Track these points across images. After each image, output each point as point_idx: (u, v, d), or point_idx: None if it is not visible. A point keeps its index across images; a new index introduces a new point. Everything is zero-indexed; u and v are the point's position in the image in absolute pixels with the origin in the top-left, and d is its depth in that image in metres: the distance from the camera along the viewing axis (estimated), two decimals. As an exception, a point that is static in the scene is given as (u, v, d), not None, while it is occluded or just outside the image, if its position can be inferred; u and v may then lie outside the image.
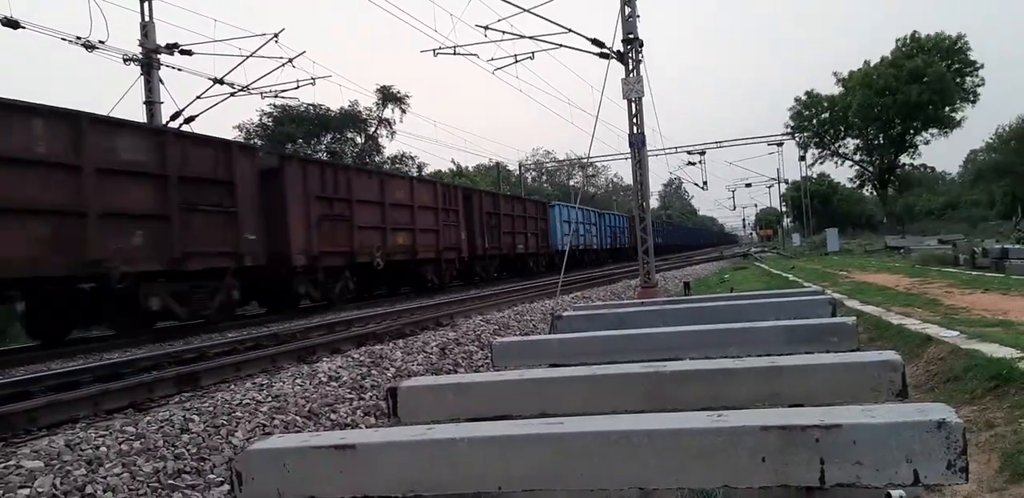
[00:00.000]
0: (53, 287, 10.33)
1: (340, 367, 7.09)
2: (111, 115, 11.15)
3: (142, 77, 18.16)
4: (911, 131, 53.36)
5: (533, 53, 17.27)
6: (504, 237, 24.72)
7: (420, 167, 50.21)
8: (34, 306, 10.72)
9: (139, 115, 18.30)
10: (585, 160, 39.60)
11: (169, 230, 11.05)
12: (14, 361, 9.04)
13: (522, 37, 16.28)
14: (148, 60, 18.07)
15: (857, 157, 57.68)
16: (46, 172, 9.41)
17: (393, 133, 47.39)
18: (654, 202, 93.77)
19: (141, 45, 18.05)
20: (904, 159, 56.62)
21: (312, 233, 14.51)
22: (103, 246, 9.98)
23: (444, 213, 20.45)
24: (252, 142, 39.57)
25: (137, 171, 10.67)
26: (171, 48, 18.38)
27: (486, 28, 16.04)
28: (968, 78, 51.39)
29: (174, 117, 18.19)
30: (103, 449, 4.38)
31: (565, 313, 7.49)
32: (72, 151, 9.72)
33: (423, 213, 19.32)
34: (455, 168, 58.93)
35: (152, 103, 18.14)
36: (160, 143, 11.19)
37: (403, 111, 46.79)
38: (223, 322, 12.38)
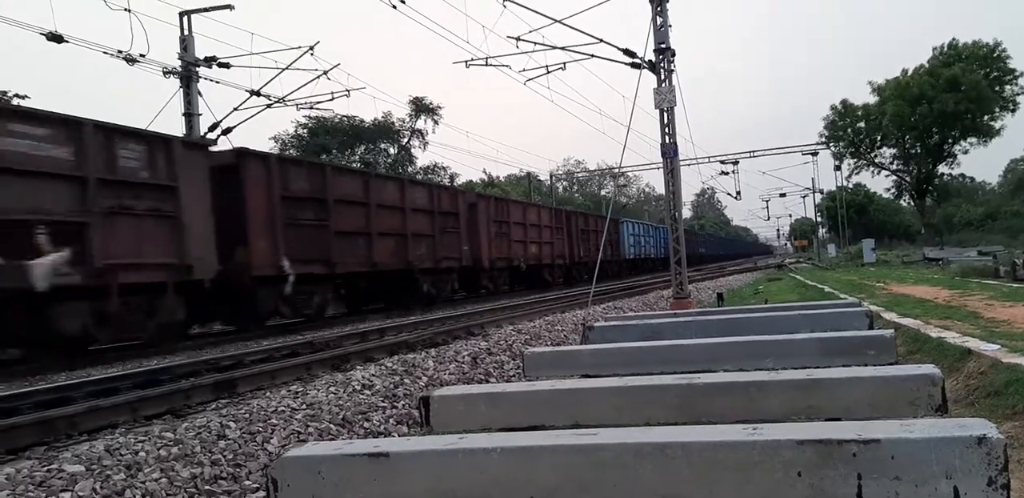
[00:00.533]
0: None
1: (373, 375, 7.14)
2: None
3: (181, 89, 18.56)
4: (949, 140, 52.48)
5: (564, 64, 17.34)
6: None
7: (452, 177, 50.56)
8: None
9: (178, 127, 18.72)
10: (617, 170, 39.47)
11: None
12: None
13: (553, 48, 16.36)
14: (187, 73, 18.47)
15: (894, 167, 56.90)
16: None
17: (426, 144, 47.91)
18: (687, 212, 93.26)
19: (181, 58, 18.47)
20: (942, 169, 55.77)
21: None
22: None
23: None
24: (288, 152, 40.15)
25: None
26: (210, 61, 18.78)
27: (518, 39, 16.15)
28: (1007, 86, 50.46)
29: (212, 128, 18.55)
30: (142, 454, 4.45)
31: (597, 324, 7.47)
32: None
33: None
34: (486, 178, 59.18)
35: (191, 115, 18.53)
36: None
37: (435, 122, 47.28)
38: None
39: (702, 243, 61.93)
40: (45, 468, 4.12)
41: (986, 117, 50.23)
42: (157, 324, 10.57)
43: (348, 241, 14.68)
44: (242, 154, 12.72)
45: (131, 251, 9.98)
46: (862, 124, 55.21)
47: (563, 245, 27.44)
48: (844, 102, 56.05)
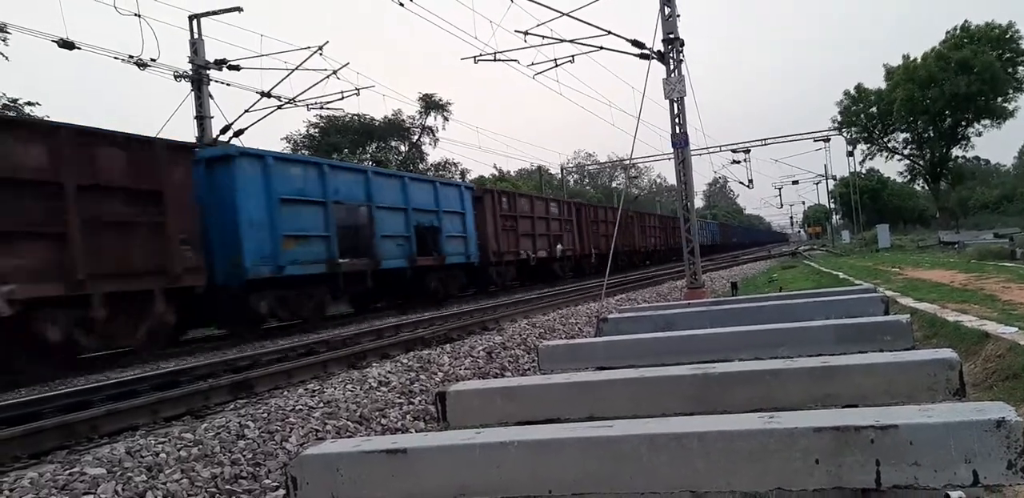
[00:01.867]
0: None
1: (389, 372, 7.17)
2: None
3: (192, 93, 18.66)
4: (962, 123, 51.92)
5: (573, 56, 17.26)
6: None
7: (463, 173, 50.57)
8: None
9: (190, 130, 18.81)
10: (628, 161, 39.29)
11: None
12: None
13: (561, 41, 16.28)
14: (198, 76, 18.56)
15: (907, 151, 56.38)
16: None
17: (436, 140, 47.94)
18: (699, 201, 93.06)
19: (191, 62, 18.56)
20: (956, 152, 55.16)
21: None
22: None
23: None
24: (300, 153, 40.24)
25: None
26: (220, 64, 18.87)
27: (525, 33, 16.08)
28: (1021, 67, 49.81)
29: (224, 131, 18.64)
30: (162, 456, 4.50)
31: (611, 315, 7.45)
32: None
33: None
34: (497, 173, 59.15)
35: (202, 118, 18.63)
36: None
37: (445, 118, 47.29)
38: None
39: (734, 232, 72.64)
40: (67, 471, 4.17)
41: (999, 99, 49.63)
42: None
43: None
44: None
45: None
46: (875, 109, 54.73)
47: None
48: (858, 87, 55.66)
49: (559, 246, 25.89)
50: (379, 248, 15.61)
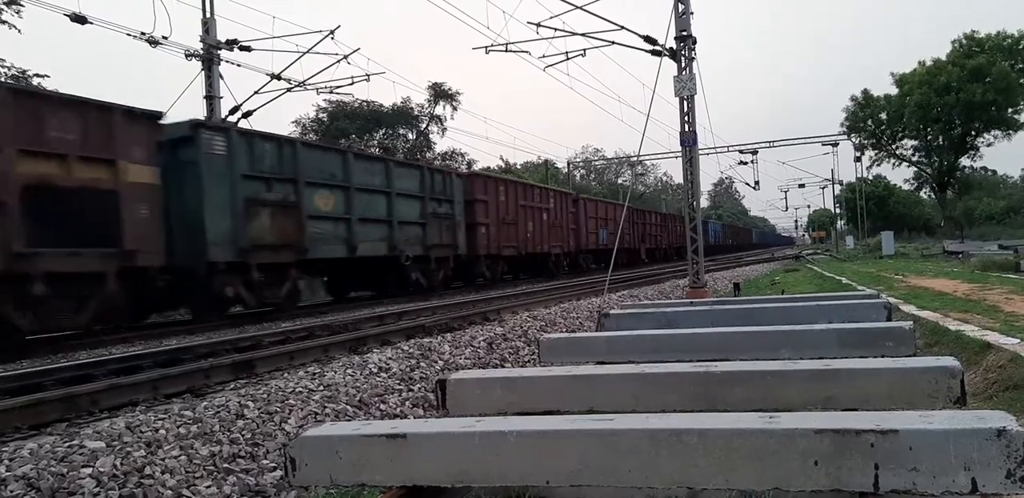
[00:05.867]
0: None
1: (390, 359, 7.19)
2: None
3: (203, 72, 18.64)
4: (972, 132, 51.74)
5: (584, 50, 17.20)
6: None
7: (470, 164, 50.53)
8: None
9: (200, 109, 18.81)
10: (635, 158, 39.24)
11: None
12: None
13: (573, 34, 16.25)
14: (209, 56, 18.53)
15: (915, 158, 56.22)
16: None
17: (444, 129, 47.86)
18: (704, 201, 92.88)
19: (202, 41, 18.53)
20: (965, 161, 55.03)
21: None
22: None
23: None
24: (308, 136, 40.19)
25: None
26: (231, 44, 18.84)
27: (538, 25, 16.05)
28: (1035, 77, 49.59)
29: (232, 111, 18.64)
30: (162, 432, 4.52)
31: (612, 311, 7.46)
32: None
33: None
34: (503, 164, 59.08)
35: (212, 98, 18.62)
36: None
37: (454, 108, 47.20)
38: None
39: (738, 234, 75.03)
40: (67, 444, 4.19)
41: (1010, 109, 49.45)
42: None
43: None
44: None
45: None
46: (883, 115, 54.52)
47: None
48: (865, 92, 55.42)
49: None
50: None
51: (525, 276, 23.98)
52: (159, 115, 10.84)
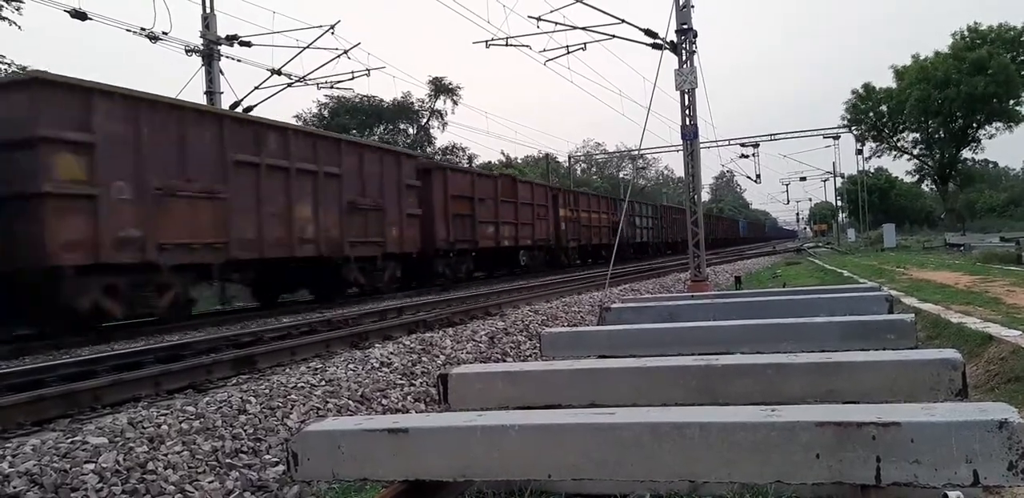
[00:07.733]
0: None
1: (392, 353, 7.19)
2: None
3: (203, 68, 18.59)
4: (974, 125, 51.56)
5: (585, 44, 17.18)
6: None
7: (471, 158, 50.46)
8: None
9: (199, 104, 18.72)
10: (636, 152, 39.17)
11: None
12: None
13: (574, 28, 16.20)
14: (209, 51, 18.48)
15: (916, 151, 56.06)
16: None
17: (445, 124, 47.81)
18: (705, 195, 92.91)
19: (203, 36, 18.46)
20: (966, 154, 54.84)
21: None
22: None
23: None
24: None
25: None
26: (231, 39, 18.77)
27: (538, 19, 16.01)
28: (1036, 70, 49.35)
29: (233, 107, 18.59)
30: (164, 427, 4.53)
31: (614, 305, 7.46)
32: None
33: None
34: (504, 159, 59.04)
35: (212, 93, 18.56)
36: None
37: (454, 102, 47.15)
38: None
39: (739, 227, 75.67)
40: (69, 440, 4.20)
41: (1012, 102, 49.25)
42: None
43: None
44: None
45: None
46: (884, 108, 54.32)
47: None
48: (866, 86, 55.17)
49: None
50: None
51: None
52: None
